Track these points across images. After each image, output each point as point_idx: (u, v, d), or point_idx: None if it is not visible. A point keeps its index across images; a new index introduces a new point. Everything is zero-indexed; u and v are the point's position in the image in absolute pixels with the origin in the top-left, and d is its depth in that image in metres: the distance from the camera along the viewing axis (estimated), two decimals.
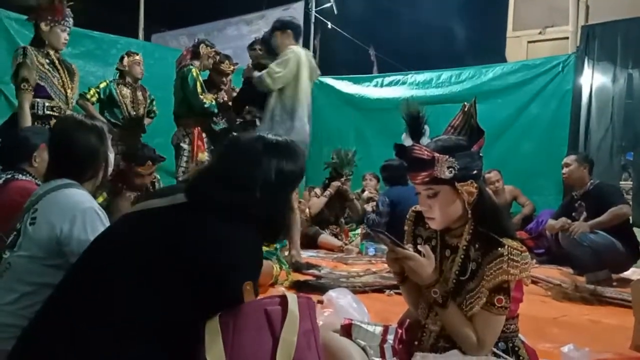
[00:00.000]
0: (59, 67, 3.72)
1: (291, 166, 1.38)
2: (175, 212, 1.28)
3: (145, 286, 1.18)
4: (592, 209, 4.02)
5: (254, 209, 1.30)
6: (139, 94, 5.02)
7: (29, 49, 3.56)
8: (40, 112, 3.58)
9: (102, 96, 4.83)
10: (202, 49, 4.86)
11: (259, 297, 1.28)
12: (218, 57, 5.02)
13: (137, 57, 5.00)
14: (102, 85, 4.84)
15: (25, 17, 5.16)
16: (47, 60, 3.65)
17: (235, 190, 1.30)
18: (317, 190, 6.28)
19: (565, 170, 4.29)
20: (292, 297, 1.23)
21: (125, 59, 4.96)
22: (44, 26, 3.63)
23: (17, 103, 3.65)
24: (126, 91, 4.92)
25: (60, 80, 3.71)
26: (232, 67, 5.11)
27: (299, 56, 4.02)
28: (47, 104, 3.62)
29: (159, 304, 1.17)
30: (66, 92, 3.76)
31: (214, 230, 1.23)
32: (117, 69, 5.04)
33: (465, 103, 1.56)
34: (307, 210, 6.16)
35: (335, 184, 5.67)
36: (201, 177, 1.39)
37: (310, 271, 3.94)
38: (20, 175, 2.48)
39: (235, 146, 1.43)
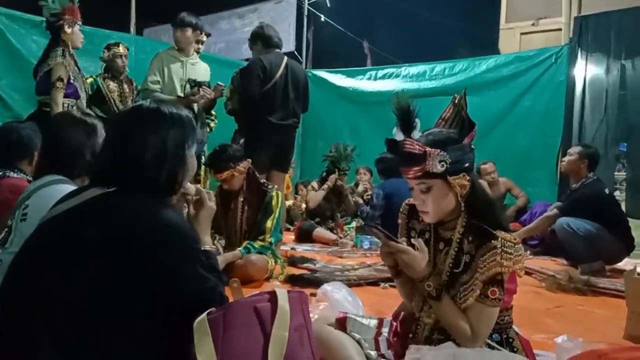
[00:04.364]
0: (79, 67, 3.88)
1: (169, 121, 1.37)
2: (94, 205, 1.27)
3: (109, 292, 1.16)
4: (577, 208, 4.03)
5: (158, 174, 1.31)
6: (125, 86, 4.90)
7: (66, 51, 3.70)
8: None
9: (89, 92, 4.78)
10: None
11: (248, 295, 1.28)
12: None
13: (119, 50, 4.88)
14: (88, 81, 4.78)
15: (19, 13, 5.20)
16: (73, 61, 3.78)
17: (129, 162, 1.30)
18: (314, 184, 6.28)
19: (564, 159, 4.30)
20: (281, 293, 1.22)
21: (106, 52, 4.90)
22: (67, 28, 3.74)
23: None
24: (113, 85, 4.84)
25: (81, 81, 3.87)
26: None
27: None
28: (72, 105, 3.73)
29: (126, 304, 1.17)
30: (85, 92, 3.95)
31: (144, 217, 1.23)
32: (102, 61, 4.99)
33: (456, 95, 1.56)
34: (302, 204, 6.16)
35: (333, 176, 5.68)
36: (98, 160, 1.40)
37: (305, 265, 3.95)
38: (12, 173, 2.46)
39: (114, 122, 1.48)
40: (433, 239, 1.61)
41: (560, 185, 5.78)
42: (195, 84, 4.26)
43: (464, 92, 1.55)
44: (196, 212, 1.57)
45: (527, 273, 3.55)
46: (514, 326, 1.62)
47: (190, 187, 1.54)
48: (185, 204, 1.57)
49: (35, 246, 1.27)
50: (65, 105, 3.69)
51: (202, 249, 1.45)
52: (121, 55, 4.88)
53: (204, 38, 4.88)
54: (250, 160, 3.46)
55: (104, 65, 4.92)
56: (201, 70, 4.51)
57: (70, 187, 1.72)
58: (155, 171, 1.32)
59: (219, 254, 3.29)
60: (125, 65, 4.92)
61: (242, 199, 3.47)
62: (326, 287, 2.50)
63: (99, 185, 1.31)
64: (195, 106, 4.34)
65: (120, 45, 4.96)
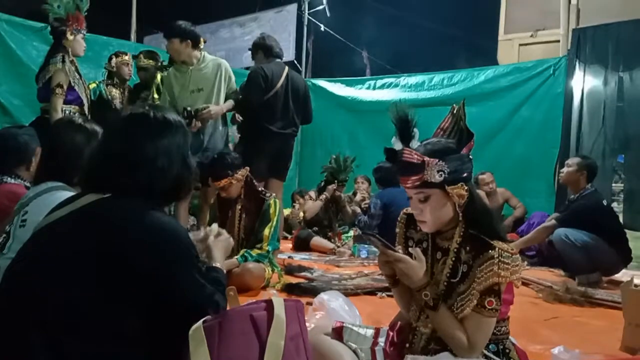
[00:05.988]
0: (80, 74, 3.91)
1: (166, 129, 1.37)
2: (90, 211, 1.26)
3: (102, 299, 1.15)
4: (575, 219, 4.04)
5: (158, 181, 1.32)
6: (127, 94, 4.99)
7: (66, 57, 3.72)
8: None
9: (92, 97, 4.79)
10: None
11: (245, 303, 1.27)
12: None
13: (125, 58, 4.98)
14: (91, 86, 4.81)
15: (19, 19, 5.24)
16: (74, 67, 3.81)
17: (136, 168, 1.30)
18: (312, 194, 6.26)
19: (563, 170, 4.32)
20: (278, 302, 1.22)
21: (114, 59, 4.95)
22: (69, 35, 3.77)
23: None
24: (115, 92, 4.89)
25: (83, 88, 3.90)
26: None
27: None
28: (75, 112, 3.76)
29: (120, 312, 1.16)
30: (87, 98, 3.98)
31: (139, 226, 1.22)
32: (105, 69, 5.02)
33: (455, 105, 1.56)
34: (300, 213, 6.16)
35: (331, 187, 5.68)
36: (97, 166, 1.37)
37: (302, 274, 3.94)
38: (10, 179, 2.45)
39: (115, 127, 1.43)
40: (431, 249, 1.61)
41: (558, 196, 5.79)
42: (189, 115, 3.97)
43: (463, 103, 1.56)
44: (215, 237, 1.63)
45: (524, 284, 3.54)
46: (510, 337, 1.61)
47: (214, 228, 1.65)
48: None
49: (30, 253, 1.26)
50: (68, 112, 3.71)
51: (213, 265, 1.51)
52: (127, 64, 5.00)
53: (201, 45, 4.88)
54: (248, 168, 3.46)
55: (107, 72, 4.96)
56: (209, 74, 4.17)
57: (69, 194, 1.72)
58: (165, 176, 1.32)
59: None
60: (131, 73, 5.00)
61: (240, 207, 3.47)
62: (323, 296, 2.49)
63: (93, 191, 1.30)
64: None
65: (127, 54, 5.07)
